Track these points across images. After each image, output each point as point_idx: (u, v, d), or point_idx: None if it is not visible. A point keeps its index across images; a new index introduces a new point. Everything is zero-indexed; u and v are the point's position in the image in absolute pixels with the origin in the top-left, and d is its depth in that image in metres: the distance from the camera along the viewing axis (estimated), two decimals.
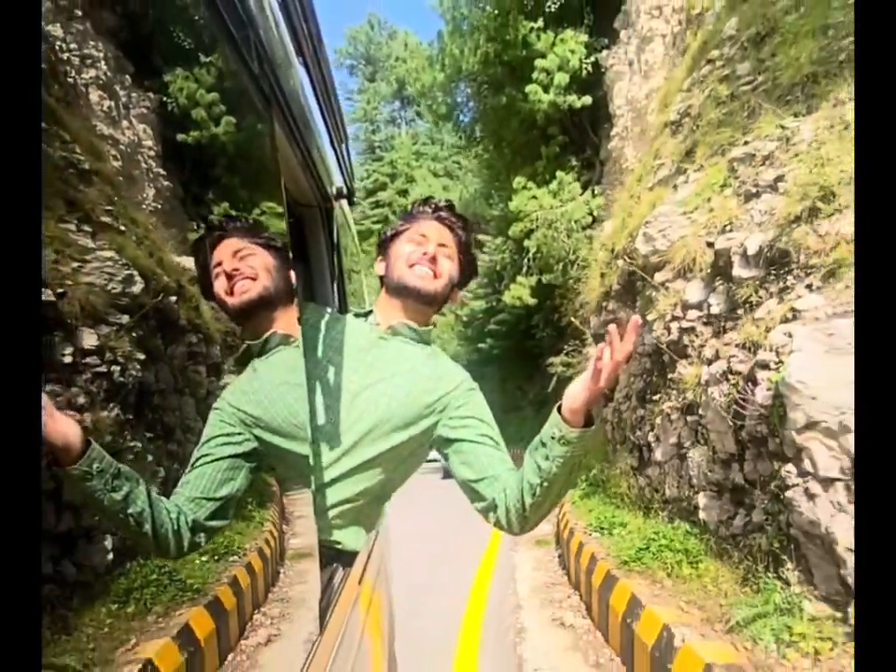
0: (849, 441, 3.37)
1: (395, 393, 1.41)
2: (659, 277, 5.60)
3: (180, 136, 0.83)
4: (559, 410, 1.21)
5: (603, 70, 13.84)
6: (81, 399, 0.60)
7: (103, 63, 0.68)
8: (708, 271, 5.03)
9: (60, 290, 0.56)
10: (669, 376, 5.39)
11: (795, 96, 5.57)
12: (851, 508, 3.37)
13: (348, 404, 1.40)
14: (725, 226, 4.98)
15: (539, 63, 13.78)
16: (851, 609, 3.30)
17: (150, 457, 0.79)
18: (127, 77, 0.72)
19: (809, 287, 3.99)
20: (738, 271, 4.60)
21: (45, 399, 0.62)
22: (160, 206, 0.76)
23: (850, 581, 3.30)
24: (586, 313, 9.41)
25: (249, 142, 1.22)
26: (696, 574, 4.44)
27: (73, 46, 0.64)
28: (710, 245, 5.02)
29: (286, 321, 1.26)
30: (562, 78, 13.79)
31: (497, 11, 13.95)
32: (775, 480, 3.80)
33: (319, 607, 1.25)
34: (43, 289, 0.56)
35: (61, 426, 0.71)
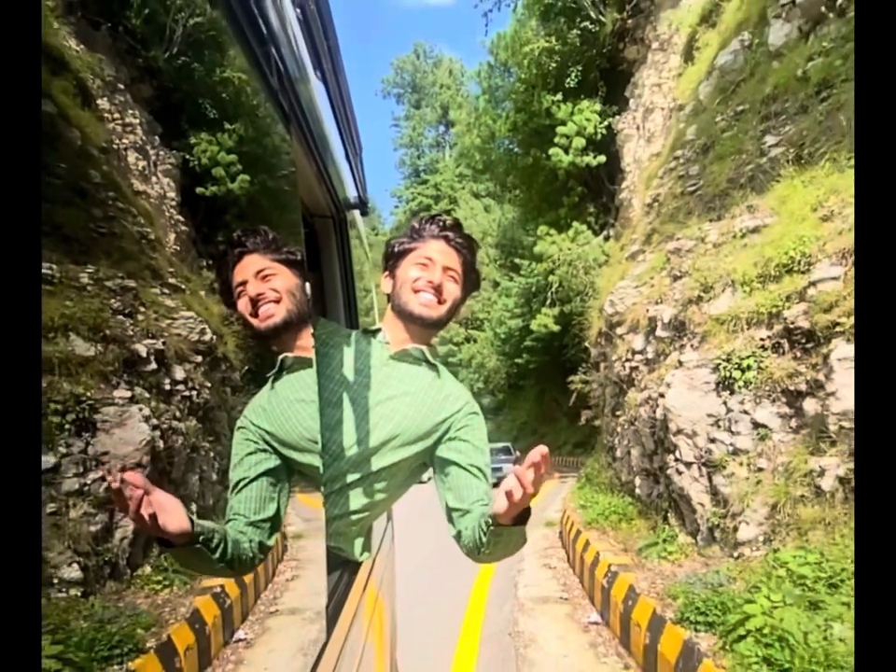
0: (701, 440, 5.75)
1: (405, 411, 1.43)
2: (619, 330, 8.01)
3: (199, 189, 0.88)
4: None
5: (615, 132, 16.18)
6: (177, 414, 0.75)
7: (139, 128, 0.76)
8: (647, 329, 7.42)
9: (162, 341, 0.73)
10: (623, 398, 7.78)
11: (714, 205, 7.87)
12: (703, 479, 5.74)
13: (358, 419, 1.42)
14: (657, 300, 7.36)
15: (559, 129, 16.23)
16: (701, 535, 5.66)
17: (212, 454, 0.93)
18: (156, 137, 0.79)
19: (691, 346, 6.36)
20: (659, 332, 6.99)
21: (166, 498, 0.78)
22: (178, 248, 0.82)
23: (700, 523, 5.67)
24: (590, 343, 11.79)
25: (262, 194, 1.23)
26: (628, 527, 6.84)
27: (116, 115, 0.72)
28: (647, 311, 7.42)
29: (306, 338, 1.31)
30: (579, 142, 16.20)
31: (523, 86, 16.51)
32: (667, 465, 6.19)
33: (326, 613, 1.24)
34: (153, 340, 0.71)
35: (176, 518, 0.82)
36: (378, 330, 1.53)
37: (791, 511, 4.53)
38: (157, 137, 0.80)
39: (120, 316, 0.66)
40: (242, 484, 1.20)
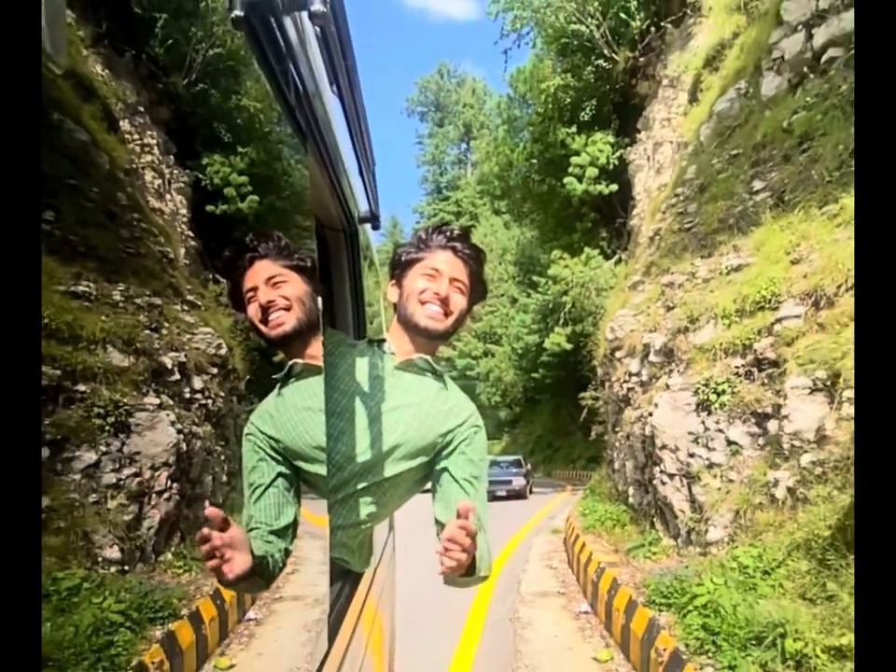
0: (682, 454, 6.51)
1: (410, 422, 1.42)
2: (618, 354, 8.79)
3: (209, 207, 0.90)
4: None
5: (627, 163, 16.99)
6: (195, 419, 0.79)
7: (156, 148, 0.79)
8: (642, 354, 8.19)
9: (184, 354, 0.78)
10: (621, 416, 8.55)
11: (706, 242, 8.64)
12: (683, 489, 6.50)
13: (363, 430, 1.41)
14: (651, 328, 8.14)
15: (574, 160, 17.13)
16: (681, 537, 6.41)
17: (222, 457, 0.98)
18: (171, 157, 0.82)
19: (678, 371, 7.14)
20: (652, 357, 7.76)
21: (237, 533, 0.84)
22: (188, 262, 0.83)
23: (681, 528, 6.42)
24: (598, 363, 12.57)
25: (270, 214, 1.25)
26: (621, 531, 7.60)
27: (136, 136, 0.75)
28: (642, 338, 8.20)
29: (316, 346, 1.29)
30: (592, 172, 17.06)
31: (540, 118, 17.46)
32: (653, 477, 6.95)
33: (328, 623, 1.25)
34: (169, 354, 0.75)
35: (242, 559, 0.90)
36: (383, 341, 1.53)
37: (750, 515, 5.28)
38: (171, 157, 0.83)
39: (148, 331, 0.71)
40: (259, 492, 1.22)
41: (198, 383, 0.81)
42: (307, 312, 1.22)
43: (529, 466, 23.09)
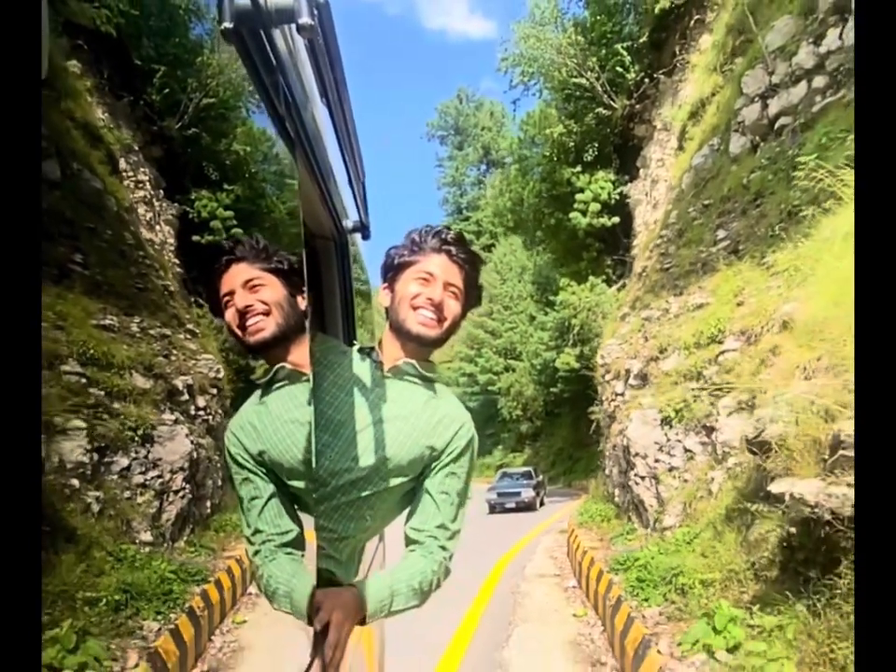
0: (650, 460, 8.03)
1: (395, 436, 1.38)
2: (607, 377, 10.32)
3: (195, 237, 0.92)
4: None
5: (627, 198, 18.53)
6: (198, 432, 0.88)
7: (147, 183, 0.82)
8: (625, 377, 9.71)
9: (190, 377, 0.86)
10: (610, 429, 10.07)
11: (679, 283, 10.14)
12: (652, 489, 8.00)
13: (348, 441, 1.37)
14: (633, 356, 9.67)
15: (578, 196, 18.74)
16: (650, 527, 7.90)
17: (218, 465, 1.05)
18: (161, 190, 0.86)
19: (650, 393, 8.66)
20: (631, 380, 9.30)
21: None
22: (175, 290, 0.86)
23: (650, 519, 7.91)
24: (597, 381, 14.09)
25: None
26: (607, 525, 9.10)
27: (130, 173, 0.78)
28: (625, 364, 9.73)
29: (298, 353, 1.24)
30: (595, 207, 18.65)
31: (547, 160, 19.22)
32: (630, 479, 8.46)
33: (314, 637, 1.23)
34: (179, 378, 0.83)
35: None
36: (373, 349, 1.48)
37: (694, 506, 6.79)
38: (161, 191, 0.86)
39: (161, 358, 0.80)
40: (258, 504, 1.20)
41: (201, 401, 0.89)
42: (286, 317, 1.19)
43: (541, 477, 23.22)
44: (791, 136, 9.64)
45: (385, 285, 1.49)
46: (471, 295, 1.49)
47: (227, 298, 1.09)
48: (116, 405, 0.69)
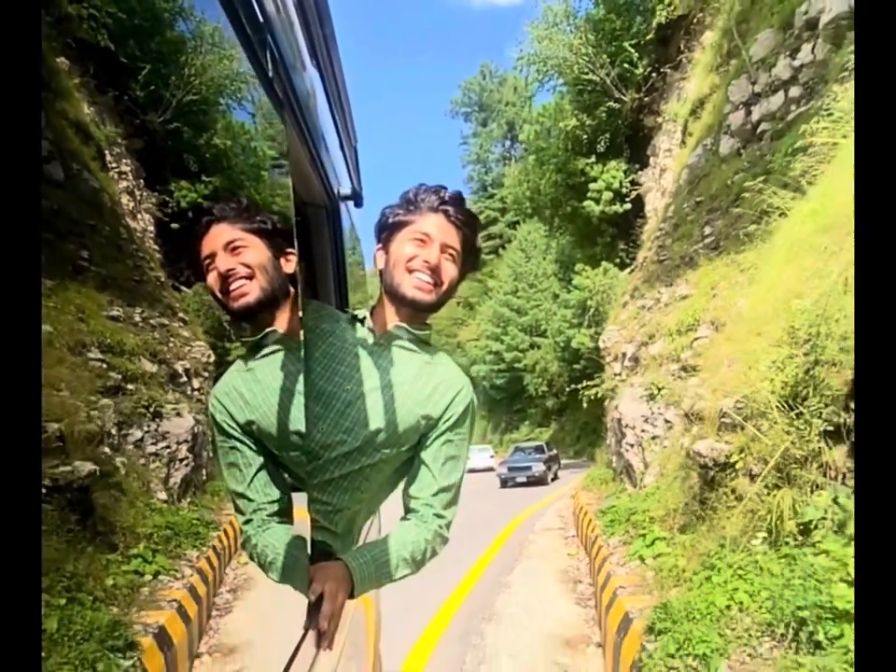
0: (638, 430, 9.51)
1: (389, 405, 1.34)
2: (608, 359, 11.75)
3: (174, 225, 0.93)
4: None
5: (638, 186, 19.61)
6: (195, 410, 0.95)
7: (130, 174, 0.85)
8: (621, 360, 11.12)
9: (187, 361, 0.92)
10: (610, 405, 11.53)
11: (671, 275, 11.42)
12: (639, 455, 9.49)
13: (340, 413, 1.33)
14: (629, 341, 11.06)
15: (591, 186, 19.91)
16: (638, 486, 9.41)
17: (209, 439, 1.06)
18: (141, 180, 0.89)
19: (640, 373, 10.08)
20: (626, 362, 10.72)
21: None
22: (155, 275, 0.88)
23: (637, 480, 9.41)
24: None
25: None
26: (605, 487, 10.62)
27: (113, 165, 0.81)
28: (622, 349, 11.14)
29: (283, 319, 1.21)
30: (607, 195, 19.84)
31: (561, 151, 20.44)
32: (622, 446, 9.94)
33: (308, 608, 1.23)
34: (178, 362, 0.90)
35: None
36: (365, 317, 1.42)
37: (667, 466, 8.27)
38: (142, 180, 0.89)
39: (162, 345, 0.87)
40: (249, 473, 1.17)
41: (196, 384, 0.96)
42: (271, 280, 1.14)
43: (554, 451, 23.58)
44: (769, 142, 10.81)
45: (380, 246, 1.43)
46: (469, 258, 1.43)
47: (208, 261, 1.06)
48: (130, 386, 0.76)
